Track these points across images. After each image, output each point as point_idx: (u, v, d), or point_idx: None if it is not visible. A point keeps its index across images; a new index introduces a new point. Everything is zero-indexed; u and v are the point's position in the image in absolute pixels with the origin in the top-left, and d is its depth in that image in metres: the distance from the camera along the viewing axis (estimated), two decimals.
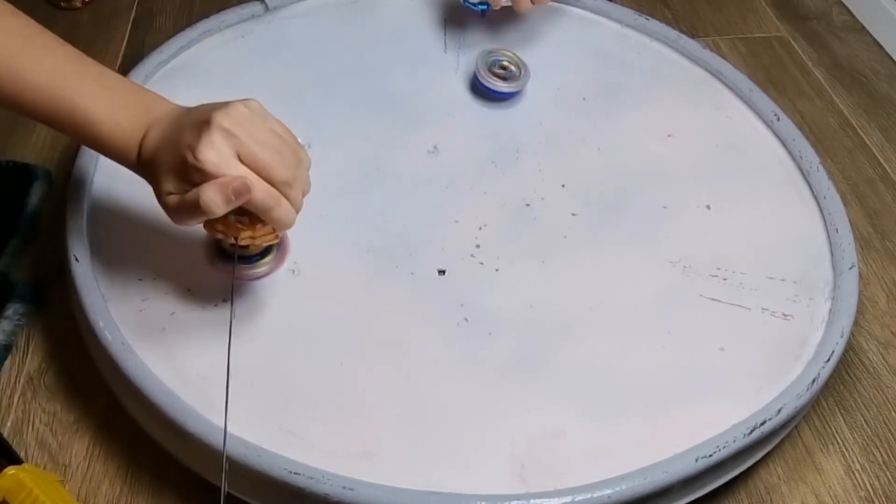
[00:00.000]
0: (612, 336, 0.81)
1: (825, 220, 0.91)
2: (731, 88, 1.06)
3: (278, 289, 0.82)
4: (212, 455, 0.69)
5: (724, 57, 1.09)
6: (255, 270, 0.82)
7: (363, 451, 0.72)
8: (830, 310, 0.83)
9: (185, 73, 1.03)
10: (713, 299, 0.84)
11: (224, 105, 0.64)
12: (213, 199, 0.62)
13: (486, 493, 0.68)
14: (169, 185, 0.64)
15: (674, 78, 1.08)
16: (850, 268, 0.86)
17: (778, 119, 1.01)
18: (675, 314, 0.83)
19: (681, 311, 0.83)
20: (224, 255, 0.82)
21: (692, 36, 1.11)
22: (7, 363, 0.87)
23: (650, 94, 1.05)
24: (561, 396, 0.76)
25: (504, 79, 1.00)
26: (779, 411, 0.74)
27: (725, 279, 0.86)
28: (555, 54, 1.08)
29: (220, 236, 0.69)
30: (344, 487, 0.67)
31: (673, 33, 1.11)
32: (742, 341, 0.81)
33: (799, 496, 0.81)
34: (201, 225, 0.68)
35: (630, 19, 1.13)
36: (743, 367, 0.79)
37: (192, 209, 0.63)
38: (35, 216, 1.00)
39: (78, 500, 0.77)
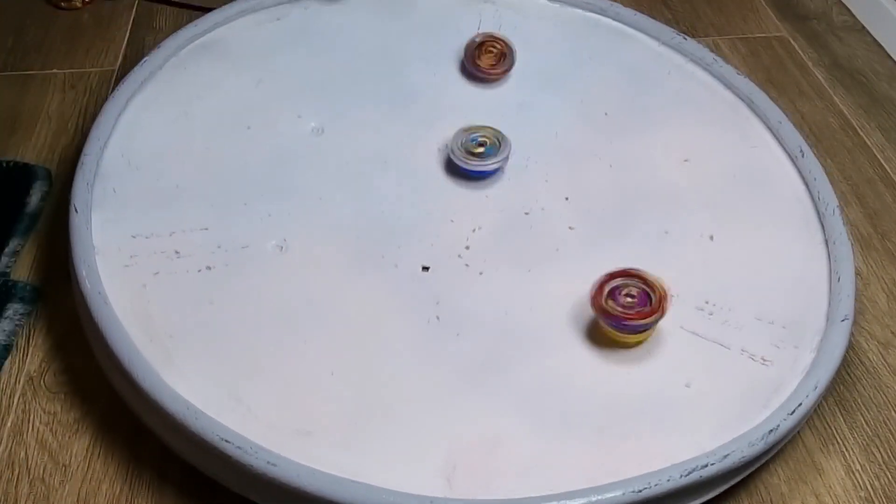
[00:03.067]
0: (580, 354, 0.80)
1: (830, 267, 0.88)
2: (759, 117, 1.02)
3: (264, 262, 0.84)
4: (157, 411, 0.72)
5: (723, 57, 1.09)
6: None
7: (302, 429, 0.73)
8: (814, 361, 0.80)
9: (215, 49, 1.05)
10: (693, 333, 0.82)
11: None
12: None
13: (402, 491, 0.68)
14: None
15: (702, 101, 1.05)
16: (843, 320, 0.82)
17: (803, 155, 0.97)
18: (650, 342, 0.81)
19: (657, 341, 0.81)
20: None
21: (693, 36, 1.11)
22: (7, 363, 0.87)
23: (674, 115, 1.03)
24: (511, 406, 0.75)
25: (481, 156, 0.93)
26: (724, 457, 0.71)
27: (711, 314, 0.83)
28: (584, 65, 1.08)
29: None
30: (268, 462, 0.68)
31: (709, 56, 1.08)
32: (711, 380, 0.79)
33: (799, 496, 0.81)
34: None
35: (667, 37, 1.11)
36: (705, 406, 0.77)
37: None
38: (35, 216, 1.00)
39: (78, 500, 0.78)
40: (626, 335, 0.79)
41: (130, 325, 0.77)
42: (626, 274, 0.78)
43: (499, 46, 1.03)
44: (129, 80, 0.99)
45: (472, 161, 0.92)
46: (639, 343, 0.80)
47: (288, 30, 1.09)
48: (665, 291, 0.77)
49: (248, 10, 1.10)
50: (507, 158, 0.94)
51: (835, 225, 0.91)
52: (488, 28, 1.10)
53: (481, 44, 1.03)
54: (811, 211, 0.93)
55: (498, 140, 0.94)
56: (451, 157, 0.93)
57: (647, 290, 0.78)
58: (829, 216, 0.92)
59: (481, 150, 0.93)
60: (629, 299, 0.78)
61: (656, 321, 0.77)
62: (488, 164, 0.93)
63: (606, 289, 0.77)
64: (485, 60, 1.02)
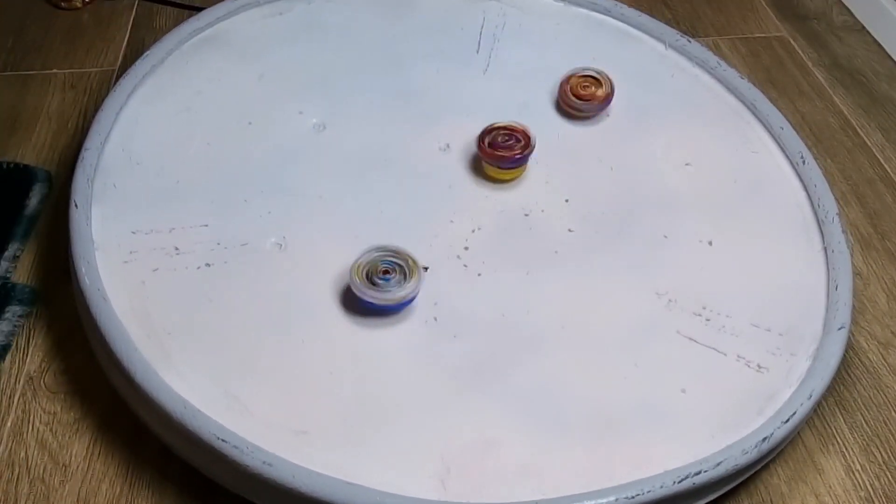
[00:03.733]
0: (576, 358, 0.80)
1: (828, 275, 0.87)
2: (762, 123, 1.02)
3: (263, 259, 0.84)
4: (154, 408, 0.72)
5: (724, 57, 1.09)
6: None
7: (299, 428, 0.73)
8: (809, 369, 0.80)
9: (219, 42, 1.05)
10: (690, 338, 0.82)
11: None
12: None
13: (397, 493, 0.68)
14: None
15: (705, 105, 1.05)
16: (840, 328, 0.82)
17: (804, 162, 0.97)
18: (647, 347, 0.81)
19: (653, 346, 0.81)
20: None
21: (693, 36, 1.11)
22: (7, 363, 0.87)
23: (677, 119, 1.02)
24: (506, 409, 0.75)
25: (383, 285, 0.79)
26: (717, 465, 0.71)
27: (708, 320, 0.83)
28: (588, 66, 1.06)
29: None
30: (264, 462, 0.68)
31: (713, 59, 1.08)
32: (707, 386, 0.78)
33: (799, 496, 0.81)
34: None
35: (672, 39, 1.11)
36: (700, 412, 0.77)
37: None
38: (35, 218, 1.00)
39: (78, 500, 0.78)
40: (508, 171, 0.93)
41: (129, 321, 0.77)
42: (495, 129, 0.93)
43: (596, 80, 1.01)
44: (131, 75, 0.99)
45: (370, 292, 0.78)
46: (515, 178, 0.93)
47: (290, 25, 1.09)
48: (528, 134, 0.92)
49: (250, 5, 1.10)
50: (416, 290, 0.79)
51: (834, 232, 0.90)
52: (490, 28, 1.10)
53: (576, 79, 1.00)
54: (811, 218, 0.93)
55: (407, 267, 0.80)
56: (351, 284, 0.79)
57: (517, 135, 0.92)
58: (828, 223, 0.91)
59: (386, 277, 0.79)
60: (506, 141, 0.92)
61: (529, 154, 0.92)
62: (390, 297, 0.78)
63: (487, 140, 0.92)
64: (581, 92, 0.99)
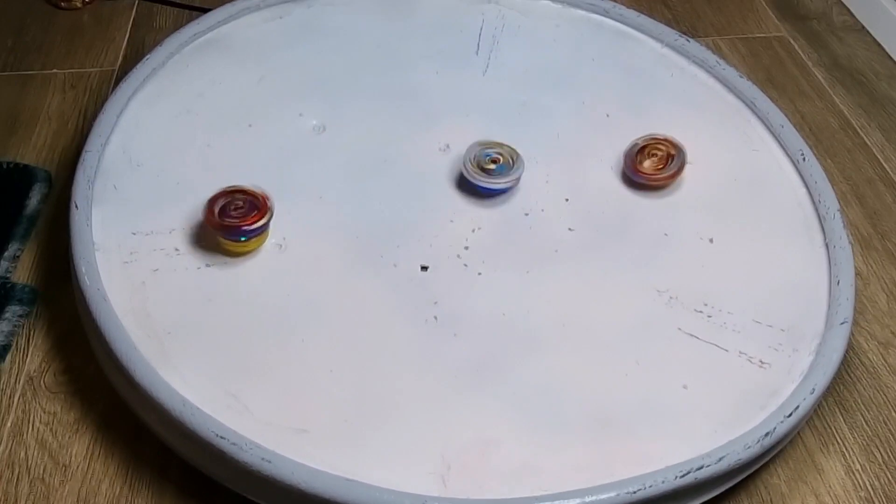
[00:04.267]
0: (577, 356, 0.80)
1: (830, 271, 0.87)
2: (762, 121, 1.02)
3: (262, 260, 0.84)
4: (154, 407, 0.72)
5: (724, 57, 1.09)
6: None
7: (299, 427, 0.73)
8: (812, 364, 0.80)
9: (219, 46, 1.06)
10: (691, 335, 0.82)
11: None
12: None
13: (397, 490, 0.68)
14: None
15: (705, 104, 1.05)
16: (842, 323, 0.82)
17: (804, 159, 0.97)
18: (648, 344, 0.81)
19: (654, 343, 0.81)
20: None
21: (693, 36, 1.11)
22: (7, 363, 0.87)
23: (677, 118, 1.02)
24: (507, 407, 0.75)
25: (492, 173, 0.91)
26: (720, 459, 0.71)
27: (710, 317, 0.83)
28: (587, 66, 1.07)
29: None
30: (263, 459, 0.69)
31: (712, 58, 1.08)
32: (709, 383, 0.78)
33: (799, 496, 0.81)
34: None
35: (671, 39, 1.11)
36: (702, 408, 0.77)
37: None
38: (35, 218, 1.00)
39: (78, 500, 0.78)
40: (244, 243, 0.83)
41: (129, 321, 0.77)
42: (230, 192, 0.84)
43: (664, 148, 0.94)
44: (131, 77, 0.99)
45: (482, 177, 0.90)
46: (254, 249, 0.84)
47: (292, 28, 1.09)
48: (266, 197, 0.83)
49: (250, 8, 1.10)
50: (518, 179, 0.92)
51: (835, 228, 0.90)
52: (489, 29, 1.10)
53: (643, 147, 0.94)
54: (812, 214, 0.93)
55: (511, 158, 0.92)
56: (463, 171, 0.91)
57: (253, 200, 0.83)
58: (829, 220, 0.91)
59: (493, 166, 0.91)
60: (238, 210, 0.82)
61: (267, 222, 0.82)
62: (499, 182, 0.91)
63: (216, 207, 0.82)
64: (648, 165, 0.93)
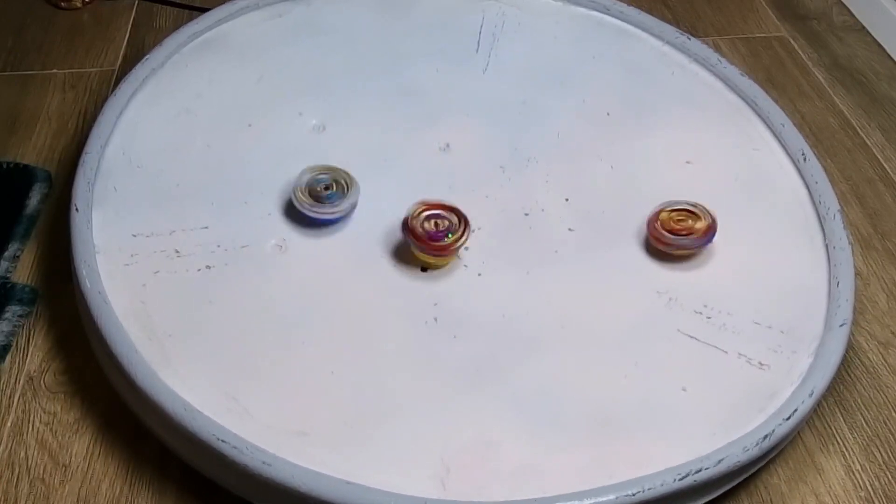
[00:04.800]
0: (576, 358, 0.80)
1: (829, 272, 0.87)
2: (763, 120, 1.02)
3: (263, 261, 0.84)
4: (155, 410, 0.72)
5: (724, 57, 1.09)
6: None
7: (299, 429, 0.73)
8: (811, 366, 0.80)
9: (218, 45, 1.06)
10: (691, 336, 0.82)
11: None
12: None
13: (397, 492, 0.68)
14: None
15: (706, 103, 1.04)
16: (842, 325, 0.82)
17: (805, 159, 0.97)
18: (647, 346, 0.81)
19: (654, 344, 0.81)
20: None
21: (693, 35, 1.11)
22: (7, 363, 0.87)
23: (677, 116, 1.02)
24: (506, 409, 0.75)
25: (325, 200, 0.86)
26: (719, 462, 0.71)
27: (709, 318, 0.83)
28: (588, 64, 1.07)
29: None
30: (263, 462, 0.69)
31: (713, 56, 1.08)
32: (708, 385, 0.78)
33: (799, 496, 0.81)
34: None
35: (671, 36, 1.10)
36: (701, 410, 0.76)
37: None
38: (35, 218, 1.00)
39: (78, 500, 0.78)
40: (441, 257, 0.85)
41: (130, 324, 0.77)
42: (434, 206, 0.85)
43: (691, 213, 0.88)
44: (131, 78, 0.99)
45: (314, 207, 0.85)
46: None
47: (291, 27, 1.09)
48: (466, 219, 0.84)
49: (249, 7, 1.10)
50: (354, 205, 0.87)
51: (835, 229, 0.90)
52: (489, 28, 1.10)
53: (665, 212, 0.87)
54: (812, 215, 0.93)
55: (346, 183, 0.87)
56: (293, 200, 0.86)
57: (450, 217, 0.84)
58: (829, 220, 0.91)
59: (325, 193, 0.86)
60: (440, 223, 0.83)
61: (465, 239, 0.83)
62: (331, 212, 0.86)
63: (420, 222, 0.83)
64: (675, 227, 0.86)
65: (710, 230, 0.86)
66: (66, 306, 0.90)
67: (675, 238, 0.86)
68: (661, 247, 0.87)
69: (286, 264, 0.85)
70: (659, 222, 0.87)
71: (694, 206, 0.88)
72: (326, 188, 0.86)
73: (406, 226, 0.83)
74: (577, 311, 0.83)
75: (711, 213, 0.87)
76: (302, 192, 0.86)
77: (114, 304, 0.78)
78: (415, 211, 0.84)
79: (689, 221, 0.87)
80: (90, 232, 0.84)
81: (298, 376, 0.77)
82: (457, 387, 0.77)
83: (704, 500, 0.75)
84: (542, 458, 0.72)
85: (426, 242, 0.82)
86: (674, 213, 0.87)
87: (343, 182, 0.87)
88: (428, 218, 0.84)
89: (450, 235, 0.83)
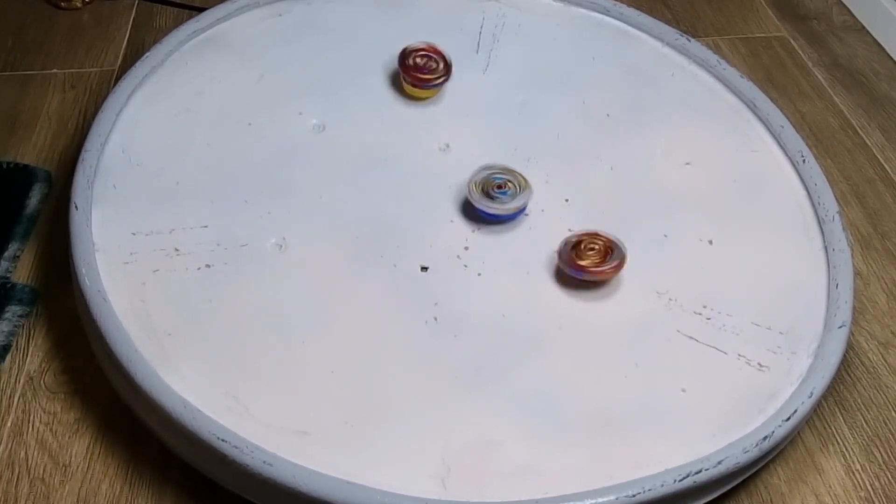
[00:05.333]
0: (576, 358, 0.80)
1: (829, 273, 0.87)
2: (762, 122, 1.02)
3: (263, 260, 0.84)
4: (155, 409, 0.72)
5: (724, 57, 1.09)
6: None
7: (299, 429, 0.73)
8: (810, 367, 0.80)
9: (218, 44, 1.06)
10: (690, 337, 0.82)
11: None
12: None
13: (397, 492, 0.68)
14: None
15: (705, 104, 1.04)
16: (840, 326, 0.82)
17: (804, 161, 0.97)
18: (647, 347, 0.81)
19: (653, 345, 0.81)
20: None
21: (693, 36, 1.11)
22: (7, 363, 0.87)
23: (677, 118, 1.02)
24: (507, 409, 0.75)
25: (499, 199, 0.88)
26: (719, 463, 0.71)
27: (709, 318, 0.83)
28: (588, 66, 1.07)
29: None
30: (264, 462, 0.69)
31: (713, 57, 1.08)
32: (708, 385, 0.78)
33: (799, 496, 0.81)
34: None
35: (671, 38, 1.10)
36: (701, 411, 0.77)
37: None
38: (35, 218, 1.00)
39: (78, 500, 0.78)
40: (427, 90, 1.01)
41: (129, 322, 0.77)
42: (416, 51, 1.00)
43: (601, 243, 0.85)
44: (131, 76, 0.99)
45: (486, 203, 0.88)
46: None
47: (291, 26, 1.09)
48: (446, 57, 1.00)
49: (249, 6, 1.10)
50: (525, 204, 0.89)
51: (834, 231, 0.90)
52: (489, 28, 1.10)
53: (578, 243, 0.85)
54: (811, 217, 0.93)
55: (519, 184, 0.89)
56: (468, 196, 0.88)
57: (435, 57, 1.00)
58: (829, 222, 0.91)
59: (498, 191, 0.88)
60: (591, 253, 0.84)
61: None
62: (504, 208, 0.88)
63: (409, 61, 1.00)
64: (587, 259, 0.83)
65: (621, 257, 0.83)
66: (66, 306, 0.90)
67: (590, 268, 0.83)
68: (578, 275, 0.84)
69: (286, 264, 0.85)
70: (572, 252, 0.84)
71: (598, 234, 0.85)
72: (499, 187, 0.89)
73: (401, 58, 0.98)
74: (576, 311, 0.83)
75: (618, 241, 0.85)
76: (475, 186, 0.89)
77: (113, 302, 0.78)
78: (409, 49, 0.98)
79: (598, 248, 0.84)
80: (90, 230, 0.84)
81: (299, 375, 0.76)
82: (457, 387, 0.77)
83: (704, 501, 0.75)
84: (542, 459, 0.72)
85: (414, 74, 0.97)
86: (583, 242, 0.84)
87: (517, 183, 0.89)
88: (420, 56, 0.99)
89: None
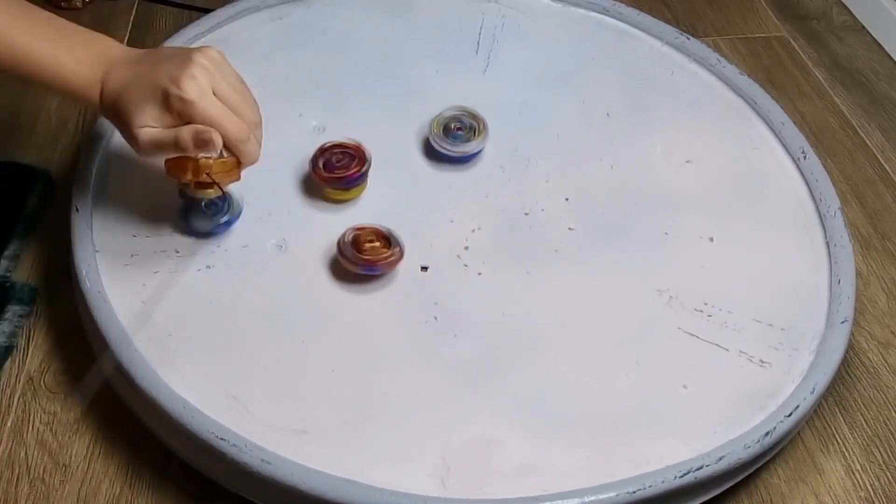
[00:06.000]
0: (577, 357, 0.79)
1: (831, 269, 0.87)
2: (763, 119, 1.02)
3: (262, 261, 0.84)
4: (155, 409, 0.72)
5: (724, 57, 1.09)
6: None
7: (299, 428, 0.73)
8: (812, 363, 0.80)
9: (218, 47, 1.04)
10: (691, 335, 0.82)
11: (198, 48, 0.73)
12: (187, 140, 0.69)
13: (397, 490, 0.68)
14: (146, 116, 0.70)
15: (705, 102, 1.04)
16: (843, 322, 0.82)
17: (805, 157, 0.97)
18: (648, 344, 0.81)
19: (654, 343, 0.81)
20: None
21: (693, 36, 1.11)
22: (7, 363, 0.87)
23: (677, 116, 1.02)
24: (507, 408, 0.75)
25: (459, 140, 0.93)
26: (720, 459, 0.71)
27: (710, 316, 0.83)
28: (587, 65, 1.07)
29: (181, 177, 0.75)
30: (263, 460, 0.69)
31: (713, 56, 1.08)
32: (709, 382, 0.78)
33: (799, 496, 0.81)
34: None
35: (671, 37, 1.10)
36: (702, 408, 0.76)
37: (165, 144, 0.70)
38: (34, 218, 1.00)
39: (78, 500, 0.78)
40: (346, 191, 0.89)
41: (129, 323, 0.77)
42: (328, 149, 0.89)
43: (375, 234, 0.83)
44: None
45: (446, 145, 0.93)
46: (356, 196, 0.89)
47: (291, 29, 1.09)
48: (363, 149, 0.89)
49: (249, 9, 1.10)
50: (484, 141, 0.94)
51: (836, 227, 0.90)
52: (489, 28, 1.10)
53: (356, 237, 0.82)
54: (812, 213, 0.93)
55: (477, 124, 0.94)
56: (430, 138, 0.93)
57: (351, 152, 0.89)
58: (830, 218, 0.91)
59: (460, 133, 0.93)
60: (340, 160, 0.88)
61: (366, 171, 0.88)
62: (466, 150, 0.93)
63: (320, 162, 0.88)
64: (370, 250, 0.81)
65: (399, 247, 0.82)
66: (66, 306, 0.90)
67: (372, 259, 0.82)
68: (363, 271, 0.82)
69: (284, 263, 0.85)
70: (354, 246, 0.82)
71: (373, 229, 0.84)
72: (459, 128, 0.93)
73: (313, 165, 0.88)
74: (577, 309, 0.83)
75: (392, 232, 0.84)
76: (437, 125, 0.93)
77: (114, 304, 0.78)
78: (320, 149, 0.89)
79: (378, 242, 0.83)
80: (90, 232, 0.84)
81: (299, 375, 0.77)
82: (457, 385, 0.77)
83: (705, 498, 0.75)
84: (542, 457, 0.72)
85: (327, 175, 0.88)
86: (362, 235, 0.83)
87: (477, 127, 0.94)
88: (329, 157, 0.89)
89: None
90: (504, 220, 0.91)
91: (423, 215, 0.90)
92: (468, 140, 0.93)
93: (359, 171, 0.87)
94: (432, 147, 0.95)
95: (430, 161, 0.96)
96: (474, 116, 0.95)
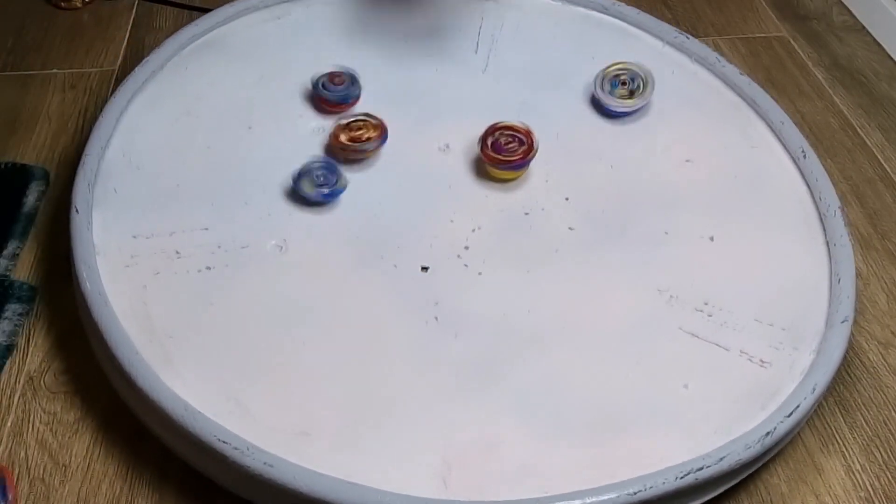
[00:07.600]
0: (578, 357, 0.80)
1: (831, 269, 0.87)
2: (762, 118, 1.02)
3: (263, 262, 0.84)
4: (156, 411, 0.73)
5: (724, 57, 1.09)
6: None
7: (300, 429, 0.73)
8: (812, 362, 0.80)
9: (218, 47, 1.06)
10: (692, 334, 0.82)
11: None
12: None
13: (398, 492, 0.68)
14: None
15: (705, 102, 1.05)
16: (843, 321, 0.82)
17: (805, 156, 0.97)
18: (649, 344, 0.81)
19: (655, 342, 0.81)
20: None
21: (693, 35, 1.11)
22: (7, 363, 0.87)
23: (677, 115, 1.03)
24: (508, 408, 0.75)
25: (626, 96, 1.01)
26: (721, 459, 0.71)
27: (710, 315, 0.83)
28: (587, 65, 1.07)
29: None
30: (265, 463, 0.69)
31: (712, 55, 1.08)
32: (710, 382, 0.78)
33: (799, 496, 0.81)
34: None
35: (670, 36, 1.11)
36: (703, 408, 0.77)
37: None
38: (32, 217, 1.00)
39: (78, 500, 0.78)
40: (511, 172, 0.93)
41: (130, 325, 0.77)
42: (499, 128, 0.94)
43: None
44: (131, 80, 0.99)
45: (614, 102, 0.98)
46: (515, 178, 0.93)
47: (289, 28, 1.09)
48: (532, 136, 0.92)
49: (249, 9, 1.10)
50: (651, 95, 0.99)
51: (836, 226, 0.90)
52: (488, 28, 1.10)
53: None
54: (812, 212, 0.93)
55: (643, 78, 1.00)
56: (596, 93, 0.99)
57: (521, 136, 0.92)
58: (830, 217, 0.91)
59: (624, 89, 0.99)
60: (509, 143, 0.92)
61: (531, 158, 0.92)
62: (634, 104, 0.98)
63: (489, 141, 0.92)
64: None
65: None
66: (66, 305, 0.90)
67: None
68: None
69: (286, 264, 0.85)
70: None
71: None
72: (623, 84, 1.01)
73: (482, 142, 0.92)
74: (577, 309, 0.83)
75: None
76: (603, 86, 1.00)
77: (114, 305, 0.78)
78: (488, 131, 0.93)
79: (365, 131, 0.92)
80: (90, 233, 0.84)
81: (299, 377, 0.77)
82: (458, 386, 0.77)
83: (706, 498, 0.75)
84: (543, 457, 0.72)
85: (495, 158, 0.91)
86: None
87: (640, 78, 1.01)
88: (498, 137, 0.93)
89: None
90: (504, 219, 0.91)
91: (422, 216, 0.90)
92: (632, 96, 0.99)
93: (523, 158, 0.91)
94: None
95: (431, 160, 0.96)
96: (637, 71, 1.01)
